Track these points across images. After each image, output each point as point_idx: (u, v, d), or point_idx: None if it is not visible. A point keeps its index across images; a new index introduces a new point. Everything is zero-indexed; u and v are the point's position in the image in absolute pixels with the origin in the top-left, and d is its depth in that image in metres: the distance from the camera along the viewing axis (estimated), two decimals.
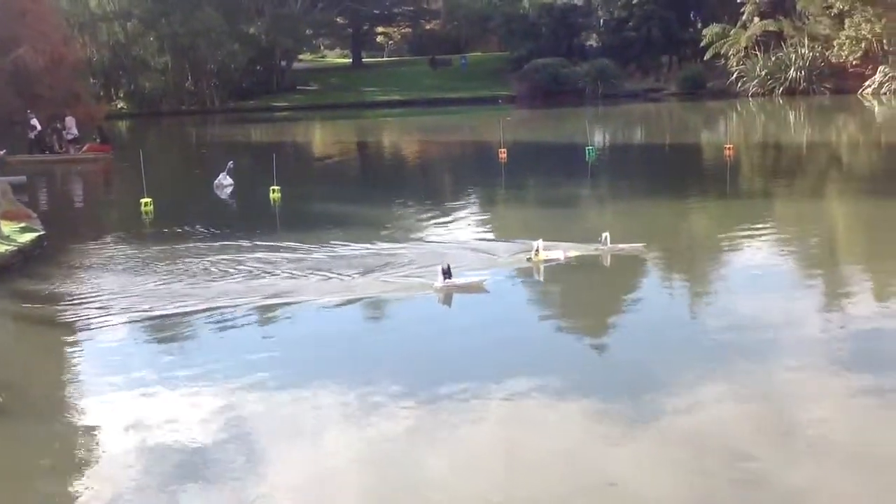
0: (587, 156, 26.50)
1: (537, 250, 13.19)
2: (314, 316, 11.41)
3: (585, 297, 12.19)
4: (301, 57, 79.92)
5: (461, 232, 16.99)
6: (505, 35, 71.53)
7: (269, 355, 9.85)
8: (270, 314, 11.44)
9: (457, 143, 40.86)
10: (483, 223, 18.75)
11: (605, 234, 13.66)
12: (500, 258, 13.91)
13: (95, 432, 7.99)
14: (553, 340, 10.38)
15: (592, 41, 72.03)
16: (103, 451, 7.58)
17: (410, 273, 12.99)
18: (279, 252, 14.86)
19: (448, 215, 19.23)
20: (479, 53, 78.28)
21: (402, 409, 8.16)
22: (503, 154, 26.57)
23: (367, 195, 23.57)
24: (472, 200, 22.54)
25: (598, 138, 36.01)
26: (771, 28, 56.44)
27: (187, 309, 11.50)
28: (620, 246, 13.77)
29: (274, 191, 21.06)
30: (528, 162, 30.13)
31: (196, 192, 25.47)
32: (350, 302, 11.72)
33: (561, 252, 13.42)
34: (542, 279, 12.94)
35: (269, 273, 13.32)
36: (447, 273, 11.75)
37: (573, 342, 10.43)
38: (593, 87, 62.16)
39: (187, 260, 14.42)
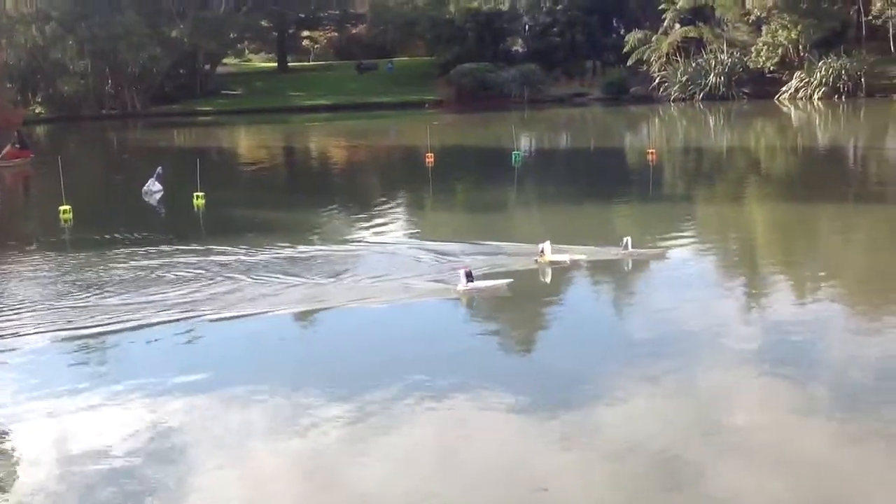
0: (513, 160, 26.69)
1: (543, 251, 13.27)
2: (239, 326, 11.22)
3: (523, 307, 12.17)
4: (225, 61, 78.84)
5: (386, 236, 16.97)
6: (431, 40, 71.60)
7: (196, 367, 9.66)
8: (196, 325, 11.22)
9: (384, 148, 40.80)
10: (410, 227, 18.73)
11: (627, 239, 13.61)
12: (427, 263, 13.91)
13: (9, 456, 7.73)
14: (485, 349, 10.40)
15: (518, 46, 72.56)
16: (17, 477, 7.32)
17: (342, 278, 12.91)
18: (204, 257, 14.65)
19: (374, 220, 19.18)
20: (405, 58, 78.21)
21: (333, 418, 8.09)
22: (430, 158, 26.60)
23: (294, 201, 23.38)
24: (399, 205, 22.51)
25: (525, 143, 36.34)
26: (691, 34, 57.60)
27: (108, 322, 11.19)
28: (641, 250, 13.77)
29: (197, 197, 20.73)
30: (456, 166, 30.22)
31: (117, 198, 24.95)
32: (279, 310, 11.59)
33: (567, 255, 13.52)
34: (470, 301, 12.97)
35: (192, 281, 13.07)
36: (469, 276, 11.79)
37: (507, 352, 10.46)
38: (519, 92, 62.63)
39: (107, 269, 14.08)
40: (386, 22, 76.14)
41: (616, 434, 7.61)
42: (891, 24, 54.82)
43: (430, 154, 26.72)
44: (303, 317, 11.53)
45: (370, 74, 73.27)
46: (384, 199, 23.57)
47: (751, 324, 10.80)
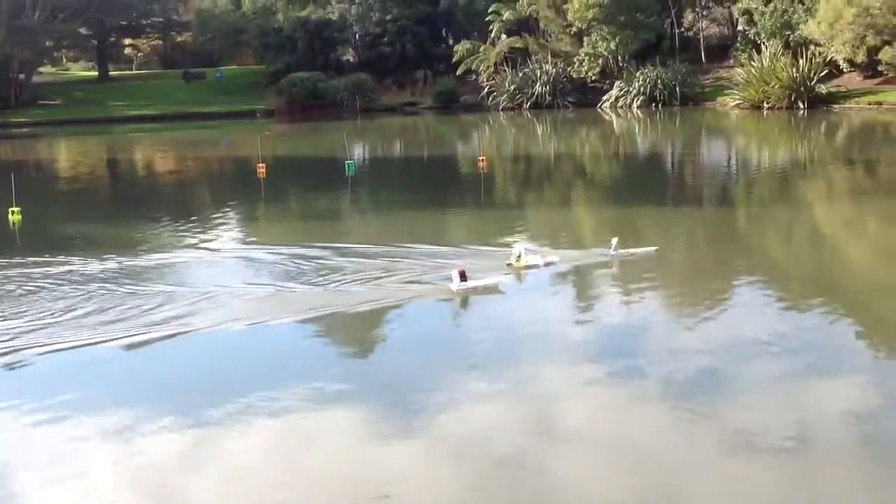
0: (347, 169, 26.64)
1: (519, 256, 13.18)
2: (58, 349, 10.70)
3: (366, 319, 12.14)
4: (42, 70, 75.00)
5: (216, 244, 16.60)
6: (260, 48, 70.59)
7: (23, 389, 9.15)
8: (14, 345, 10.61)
9: (214, 159, 39.84)
10: (242, 238, 18.36)
11: (615, 240, 13.66)
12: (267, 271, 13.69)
13: None
14: (321, 353, 10.32)
15: (349, 55, 72.56)
16: None
17: (171, 293, 12.52)
18: (20, 269, 13.92)
19: (202, 232, 18.69)
20: (234, 67, 76.76)
21: (167, 431, 7.86)
22: (262, 169, 26.19)
23: (118, 214, 22.49)
24: (230, 216, 22.01)
25: (358, 152, 36.31)
26: (517, 45, 59.21)
27: None
28: (632, 251, 13.86)
29: (13, 212, 19.61)
30: (289, 176, 29.87)
31: None
32: (105, 331, 11.12)
33: (539, 257, 13.49)
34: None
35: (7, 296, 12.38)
36: (463, 276, 12.02)
37: (340, 354, 10.41)
38: (351, 101, 62.62)
39: None
40: (212, 30, 74.48)
41: (454, 434, 7.71)
42: (701, 35, 58.19)
43: (262, 164, 26.30)
44: (130, 346, 11.11)
45: (198, 83, 71.45)
46: (214, 210, 23.00)
47: (580, 324, 11.18)
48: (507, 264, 13.36)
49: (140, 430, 8.00)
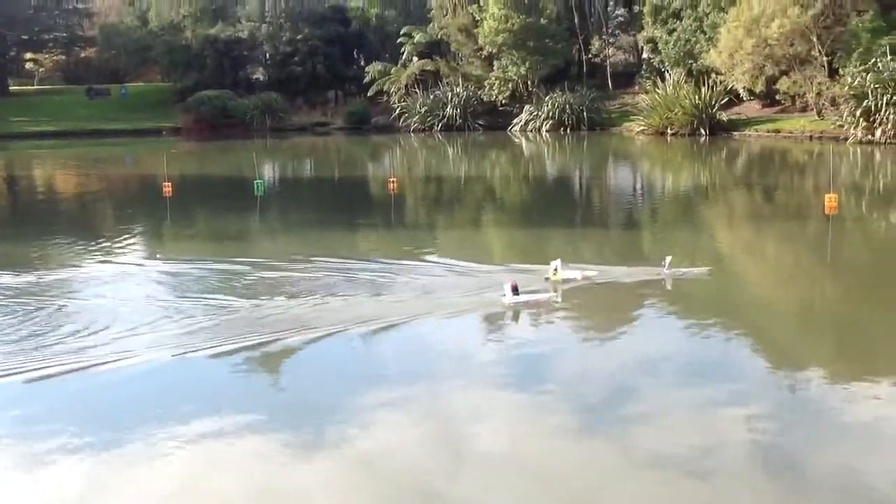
0: (256, 189, 26.34)
1: (556, 270, 13.19)
2: None
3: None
4: None
5: (116, 262, 16.17)
6: (167, 65, 69.52)
7: None
8: None
9: (118, 177, 38.91)
10: (144, 255, 17.93)
11: (668, 258, 13.66)
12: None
13: None
14: (226, 377, 10.12)
15: (259, 74, 71.98)
16: None
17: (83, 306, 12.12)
18: None
19: (103, 252, 18.19)
20: (141, 84, 75.32)
21: (77, 456, 7.62)
22: (168, 188, 25.67)
23: (11, 232, 21.72)
24: (134, 236, 21.48)
25: (268, 171, 35.95)
26: (429, 67, 59.65)
27: None
28: (682, 270, 13.84)
29: None
30: (196, 195, 29.37)
31: None
32: None
33: (578, 271, 13.52)
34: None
35: None
36: (515, 290, 12.08)
37: (251, 378, 10.22)
38: (261, 121, 62.03)
39: None
40: (118, 46, 73.03)
41: (363, 454, 7.64)
42: (608, 63, 59.52)
43: (167, 183, 25.78)
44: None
45: (103, 100, 69.87)
46: (116, 229, 22.42)
47: (489, 343, 11.22)
48: (545, 278, 13.48)
49: (43, 452, 7.70)
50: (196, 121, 62.16)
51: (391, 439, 7.99)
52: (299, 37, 66.03)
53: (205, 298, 13.01)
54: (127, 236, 20.98)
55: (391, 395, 9.14)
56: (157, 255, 18.10)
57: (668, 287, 13.48)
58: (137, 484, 7.21)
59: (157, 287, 14.47)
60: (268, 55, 70.36)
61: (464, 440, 7.99)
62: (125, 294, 13.64)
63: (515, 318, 12.08)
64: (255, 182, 26.67)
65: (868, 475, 7.10)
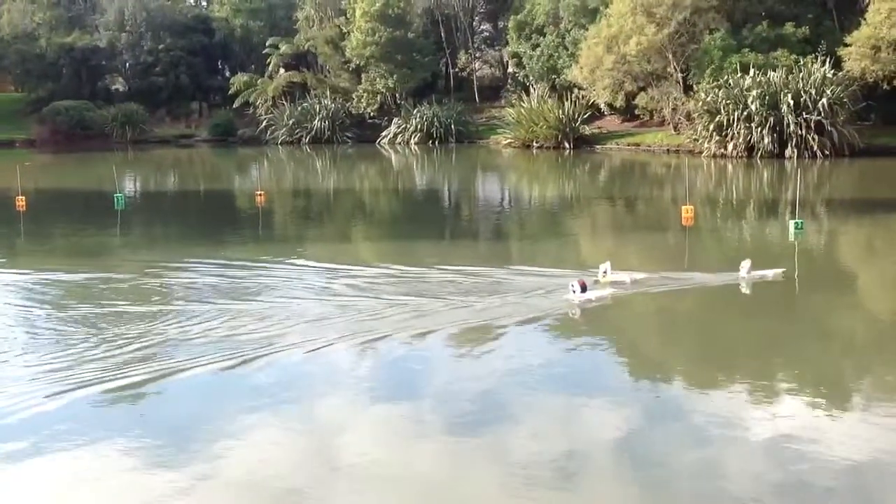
0: (116, 203, 25.49)
1: (605, 272, 13.76)
2: None
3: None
4: None
5: None
6: (20, 75, 66.64)
7: None
8: None
9: None
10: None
11: (748, 262, 13.97)
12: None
13: None
14: (98, 397, 9.73)
15: (119, 84, 69.83)
16: None
17: None
18: None
19: None
20: None
21: None
22: (21, 202, 24.56)
23: None
24: None
25: (129, 185, 34.87)
26: (296, 79, 59.14)
27: None
28: (761, 272, 14.13)
29: None
30: (52, 210, 28.21)
31: None
32: None
33: (627, 275, 13.91)
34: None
35: None
36: (584, 288, 12.57)
37: (121, 399, 9.85)
38: (121, 132, 60.13)
39: None
40: None
41: (239, 471, 7.51)
42: (475, 76, 60.42)
43: (21, 197, 24.65)
44: None
45: None
46: None
47: (365, 358, 11.14)
48: (595, 281, 13.82)
49: None
50: (52, 132, 59.75)
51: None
52: (161, 46, 64.40)
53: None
54: None
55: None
56: None
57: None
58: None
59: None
60: (128, 65, 68.34)
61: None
62: None
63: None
64: (115, 195, 25.82)
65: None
